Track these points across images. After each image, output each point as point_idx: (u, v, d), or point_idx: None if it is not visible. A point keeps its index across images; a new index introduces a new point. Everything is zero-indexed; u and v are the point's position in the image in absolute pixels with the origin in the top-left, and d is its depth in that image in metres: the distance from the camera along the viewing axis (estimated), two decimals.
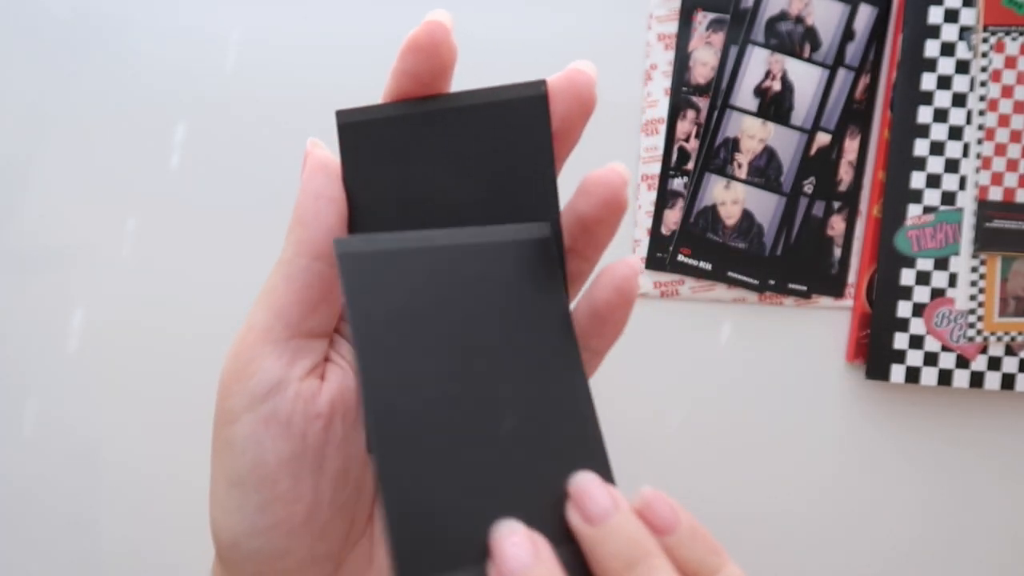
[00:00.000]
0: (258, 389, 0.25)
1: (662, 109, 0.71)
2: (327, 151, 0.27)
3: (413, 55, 0.26)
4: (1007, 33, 0.67)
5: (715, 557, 0.23)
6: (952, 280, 0.69)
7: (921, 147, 0.69)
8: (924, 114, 0.69)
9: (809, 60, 0.70)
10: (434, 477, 0.23)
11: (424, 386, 0.24)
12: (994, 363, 0.68)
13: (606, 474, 0.24)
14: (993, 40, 0.67)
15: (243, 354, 0.25)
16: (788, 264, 0.71)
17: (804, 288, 0.71)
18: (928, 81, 0.68)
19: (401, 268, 0.25)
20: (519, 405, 0.24)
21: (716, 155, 0.70)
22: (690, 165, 0.71)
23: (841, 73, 0.70)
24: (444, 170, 0.26)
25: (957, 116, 0.68)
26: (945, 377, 0.69)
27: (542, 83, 0.26)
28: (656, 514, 0.23)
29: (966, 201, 0.68)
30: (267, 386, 0.25)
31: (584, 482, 0.23)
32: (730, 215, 0.71)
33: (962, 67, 0.68)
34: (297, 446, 0.25)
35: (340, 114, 0.27)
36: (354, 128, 0.26)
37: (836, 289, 0.71)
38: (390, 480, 0.23)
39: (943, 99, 0.68)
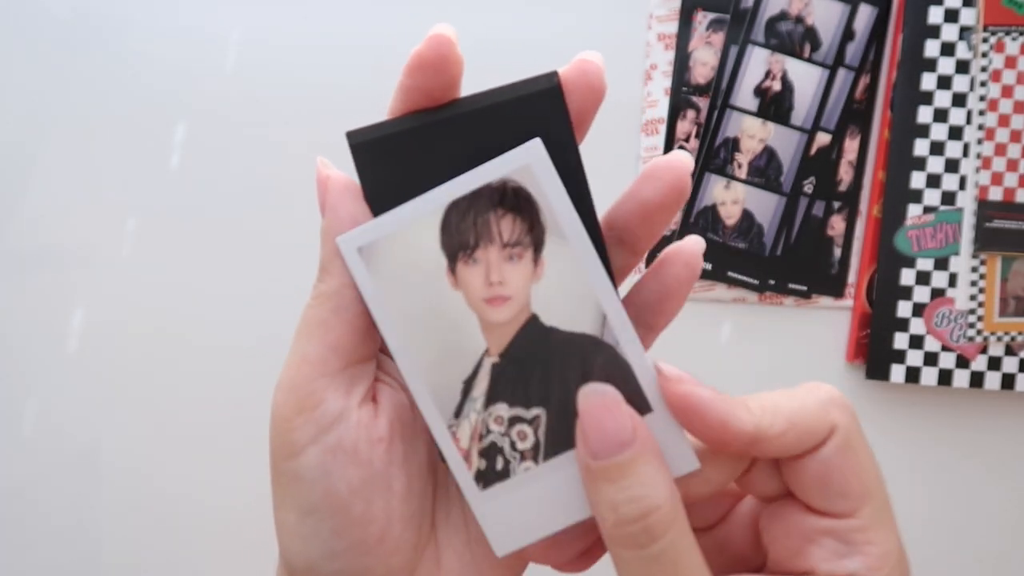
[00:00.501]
0: (323, 421, 0.26)
1: (662, 109, 0.71)
2: (340, 171, 0.27)
3: (421, 72, 0.26)
4: (1007, 33, 0.67)
5: None
6: (952, 280, 0.69)
7: (921, 147, 0.69)
8: (924, 114, 0.69)
9: (809, 60, 0.70)
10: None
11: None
12: (994, 363, 0.68)
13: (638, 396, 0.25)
14: (993, 40, 0.67)
15: (301, 387, 0.26)
16: (788, 264, 0.71)
17: (804, 288, 0.71)
18: (928, 81, 0.68)
19: (412, 147, 0.26)
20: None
21: (716, 155, 0.70)
22: None
23: (841, 73, 0.70)
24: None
25: (957, 116, 0.68)
26: (945, 377, 0.69)
27: (554, 75, 0.25)
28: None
29: (966, 201, 0.68)
30: (331, 418, 0.26)
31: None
32: (730, 215, 0.71)
33: (962, 67, 0.68)
34: (365, 472, 0.26)
35: (351, 135, 0.26)
36: (367, 147, 0.26)
37: (836, 289, 0.71)
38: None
39: (943, 99, 0.68)
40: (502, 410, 0.27)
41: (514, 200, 0.25)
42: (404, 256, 0.26)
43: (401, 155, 0.26)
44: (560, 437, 0.26)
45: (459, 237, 0.26)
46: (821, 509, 0.26)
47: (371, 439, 0.26)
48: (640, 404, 0.25)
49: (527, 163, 0.25)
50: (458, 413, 0.26)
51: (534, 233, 0.26)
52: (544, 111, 0.25)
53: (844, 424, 0.27)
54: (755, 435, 0.25)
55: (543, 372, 0.26)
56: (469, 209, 0.26)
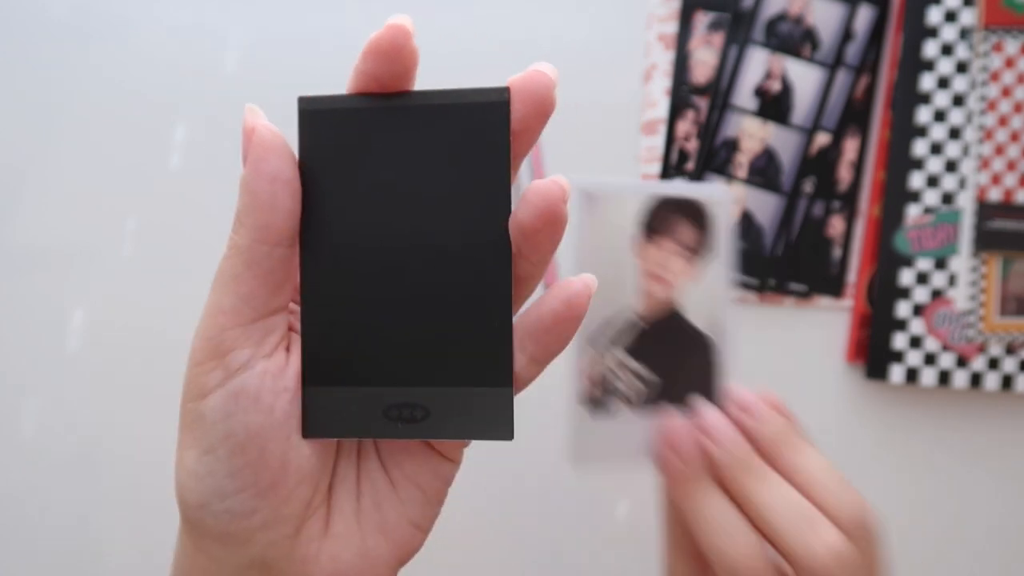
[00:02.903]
0: (231, 366, 0.27)
1: (662, 109, 0.71)
2: (270, 124, 0.28)
3: (374, 57, 0.26)
4: (1007, 33, 0.67)
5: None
6: (952, 280, 0.69)
7: (921, 147, 0.69)
8: (924, 114, 0.69)
9: (809, 60, 0.70)
10: (349, 314, 0.27)
11: (357, 242, 0.27)
12: (994, 363, 0.68)
13: (505, 372, 0.27)
14: (993, 40, 0.67)
15: (215, 336, 0.28)
16: (788, 264, 0.71)
17: (804, 288, 0.71)
18: (928, 81, 0.69)
19: (357, 125, 0.27)
20: (439, 281, 0.27)
21: (716, 155, 0.70)
22: (690, 165, 0.71)
23: (841, 73, 0.70)
24: (403, 164, 0.27)
25: (957, 116, 0.68)
26: (945, 377, 0.69)
27: (505, 90, 0.27)
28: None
29: (966, 201, 0.68)
30: (238, 364, 0.27)
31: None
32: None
33: (962, 67, 0.68)
34: (265, 419, 0.27)
35: (303, 100, 0.28)
36: (316, 115, 0.28)
37: (836, 289, 0.71)
38: (311, 305, 0.28)
39: (943, 99, 0.68)
40: (631, 362, 0.34)
41: (702, 218, 0.35)
42: (611, 215, 0.33)
43: (344, 130, 0.27)
44: (659, 399, 0.34)
45: (656, 223, 0.34)
46: None
47: (276, 388, 0.27)
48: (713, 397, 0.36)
49: (721, 199, 0.35)
50: (592, 342, 0.33)
51: (704, 247, 0.35)
52: (487, 123, 0.27)
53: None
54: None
55: (672, 350, 0.35)
56: (672, 208, 0.34)
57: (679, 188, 0.32)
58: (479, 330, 0.27)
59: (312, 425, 0.28)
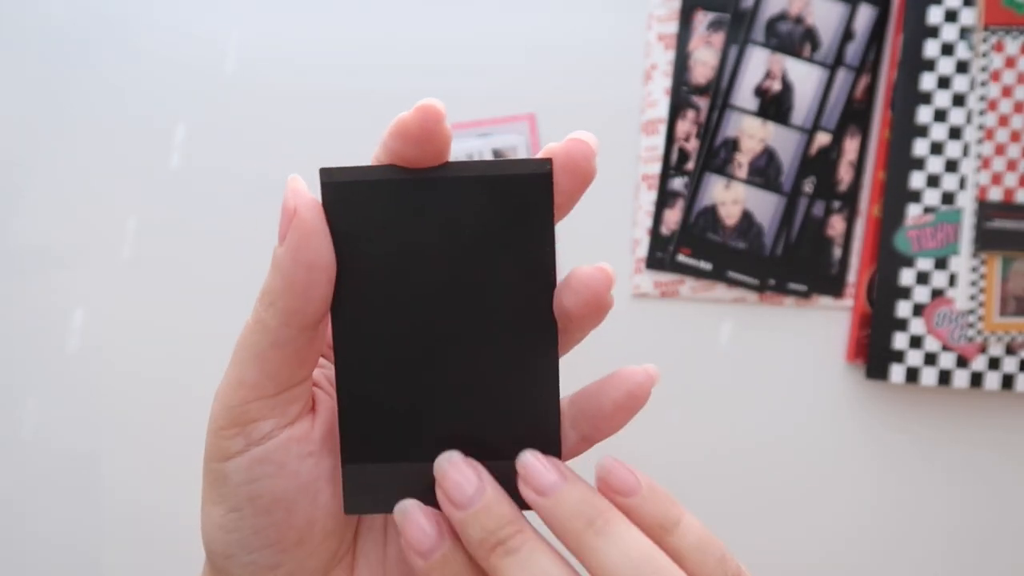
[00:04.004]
0: (254, 436, 0.26)
1: (662, 109, 0.71)
2: (313, 203, 0.25)
3: (403, 140, 0.25)
4: (1007, 33, 0.67)
5: (674, 508, 0.25)
6: (952, 280, 0.69)
7: (921, 147, 0.69)
8: (924, 114, 0.69)
9: (809, 60, 0.70)
10: (388, 389, 0.27)
11: (394, 317, 0.26)
12: (994, 363, 0.68)
13: (553, 446, 0.26)
14: (993, 40, 0.67)
15: (236, 407, 0.26)
16: (788, 264, 0.71)
17: (804, 288, 0.71)
18: (928, 81, 0.68)
19: (385, 198, 0.26)
20: (481, 356, 0.26)
21: (716, 155, 0.70)
22: (690, 165, 0.71)
23: (841, 73, 0.70)
24: (439, 238, 0.26)
25: (957, 116, 0.68)
26: (945, 377, 0.69)
27: (548, 162, 0.25)
28: (618, 479, 0.26)
29: (966, 201, 0.68)
30: (262, 434, 0.26)
31: (527, 460, 0.26)
32: (730, 215, 0.71)
33: (962, 67, 0.68)
34: (291, 483, 0.27)
35: (324, 172, 0.26)
36: (339, 187, 0.26)
37: (836, 289, 0.71)
38: (348, 381, 0.27)
39: (943, 99, 0.68)
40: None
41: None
42: None
43: (372, 203, 0.26)
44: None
45: None
46: None
47: (301, 453, 0.27)
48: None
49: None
50: None
51: None
52: (529, 195, 0.25)
53: None
54: None
55: None
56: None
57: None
58: (525, 406, 0.26)
59: (352, 503, 0.27)
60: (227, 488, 0.27)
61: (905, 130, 0.69)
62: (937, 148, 0.68)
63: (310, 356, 0.27)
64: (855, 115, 0.70)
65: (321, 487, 0.27)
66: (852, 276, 0.71)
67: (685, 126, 0.71)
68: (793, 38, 0.70)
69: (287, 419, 0.27)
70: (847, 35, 0.70)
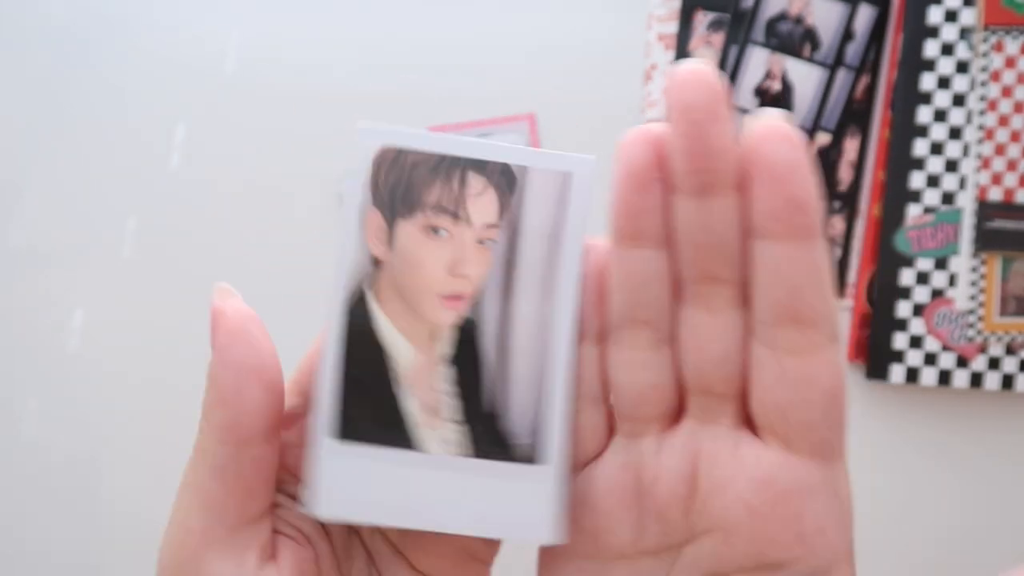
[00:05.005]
0: None
1: (662, 109, 0.71)
2: (241, 303, 0.23)
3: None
4: (1007, 33, 0.67)
5: None
6: (952, 280, 0.69)
7: (921, 147, 0.69)
8: (924, 114, 0.69)
9: (809, 60, 0.70)
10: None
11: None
12: (994, 363, 0.68)
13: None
14: (993, 40, 0.67)
15: (185, 563, 0.23)
16: None
17: None
18: (928, 81, 0.68)
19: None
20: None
21: None
22: None
23: (841, 73, 0.70)
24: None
25: (957, 116, 0.68)
26: (945, 377, 0.69)
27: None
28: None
29: (966, 201, 0.68)
30: None
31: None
32: None
33: (962, 67, 0.68)
34: None
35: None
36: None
37: (836, 289, 0.71)
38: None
39: (943, 99, 0.68)
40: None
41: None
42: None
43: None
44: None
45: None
46: None
47: None
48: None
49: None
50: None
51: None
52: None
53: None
54: None
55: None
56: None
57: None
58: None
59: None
60: None
61: (905, 130, 0.69)
62: (937, 148, 0.68)
63: (258, 485, 0.24)
64: (855, 115, 0.70)
65: None
66: (852, 276, 0.71)
67: None
68: (793, 38, 0.70)
69: (246, 569, 0.23)
70: (847, 35, 0.70)
